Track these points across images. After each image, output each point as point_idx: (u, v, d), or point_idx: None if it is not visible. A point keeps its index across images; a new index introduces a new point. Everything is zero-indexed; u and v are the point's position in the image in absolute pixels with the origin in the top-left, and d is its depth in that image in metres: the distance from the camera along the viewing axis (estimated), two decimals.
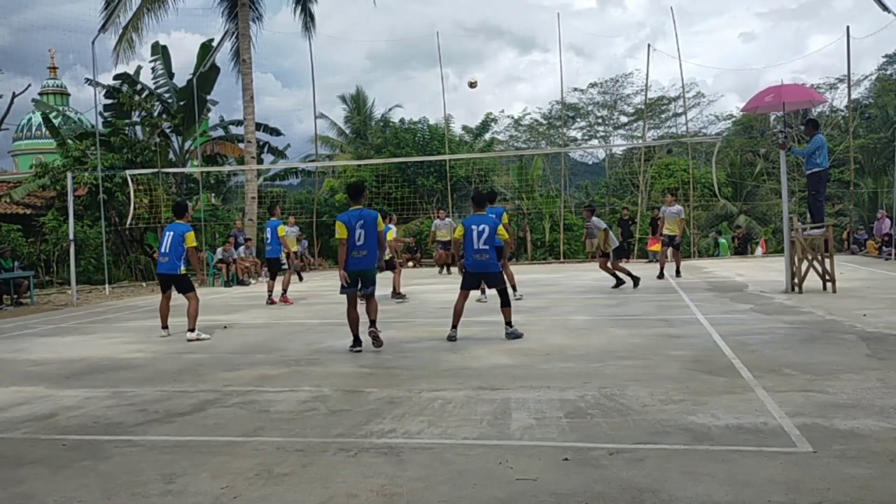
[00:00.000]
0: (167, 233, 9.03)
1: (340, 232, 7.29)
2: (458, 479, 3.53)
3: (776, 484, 3.29)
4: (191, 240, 8.90)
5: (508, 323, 7.91)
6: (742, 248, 24.63)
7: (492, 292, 8.87)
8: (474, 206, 8.41)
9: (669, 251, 15.85)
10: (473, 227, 7.93)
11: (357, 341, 7.45)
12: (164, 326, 9.25)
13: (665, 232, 15.28)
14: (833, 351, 6.35)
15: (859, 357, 6.05)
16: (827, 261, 11.06)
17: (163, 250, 9.00)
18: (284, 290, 12.89)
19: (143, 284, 20.12)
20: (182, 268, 8.94)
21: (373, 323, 7.46)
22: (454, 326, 7.95)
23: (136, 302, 15.13)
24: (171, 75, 25.69)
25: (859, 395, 4.79)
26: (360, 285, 7.45)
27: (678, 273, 14.95)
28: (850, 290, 11.24)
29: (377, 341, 7.38)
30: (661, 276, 14.72)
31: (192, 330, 8.77)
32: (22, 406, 5.56)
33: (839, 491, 3.18)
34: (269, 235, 12.91)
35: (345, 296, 7.54)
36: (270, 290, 12.84)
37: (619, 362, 6.23)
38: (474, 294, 9.11)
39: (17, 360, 7.83)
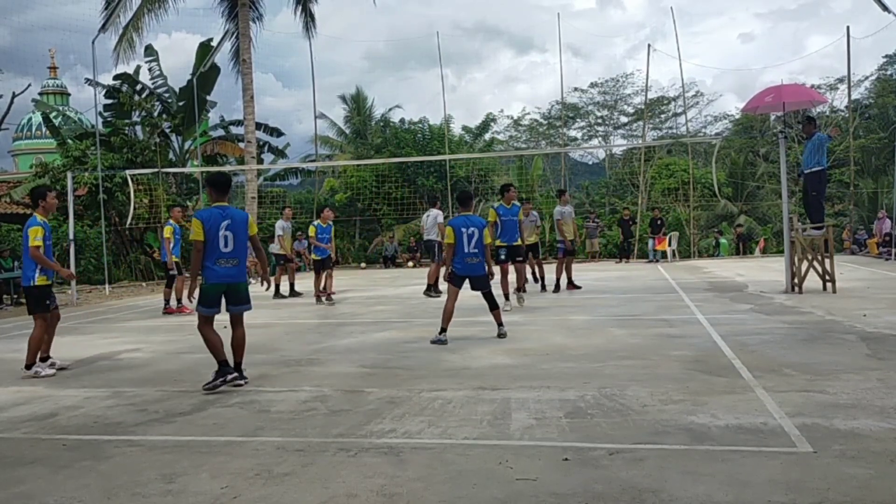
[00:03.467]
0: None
1: (196, 232, 5.78)
2: (458, 479, 3.53)
3: (776, 484, 3.29)
4: (33, 236, 6.81)
5: (500, 323, 7.94)
6: (738, 246, 24.62)
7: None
8: (461, 205, 8.33)
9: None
10: (463, 229, 7.77)
11: (225, 368, 5.85)
12: (44, 358, 7.09)
13: (566, 236, 12.84)
14: (833, 351, 6.35)
15: (859, 357, 6.05)
16: (827, 261, 11.06)
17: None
18: (179, 299, 12.03)
19: (143, 284, 20.13)
20: (36, 278, 6.85)
21: (237, 367, 5.96)
22: (444, 330, 7.70)
23: (136, 302, 15.14)
24: (163, 78, 25.77)
25: (859, 395, 4.79)
26: (224, 304, 5.97)
27: (556, 286, 12.72)
28: (850, 290, 11.24)
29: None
30: (556, 288, 12.74)
31: (28, 366, 6.83)
32: (22, 406, 5.56)
33: (839, 491, 3.18)
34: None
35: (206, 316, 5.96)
36: (167, 299, 12.08)
37: (619, 362, 6.23)
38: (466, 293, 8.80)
39: (17, 360, 7.81)
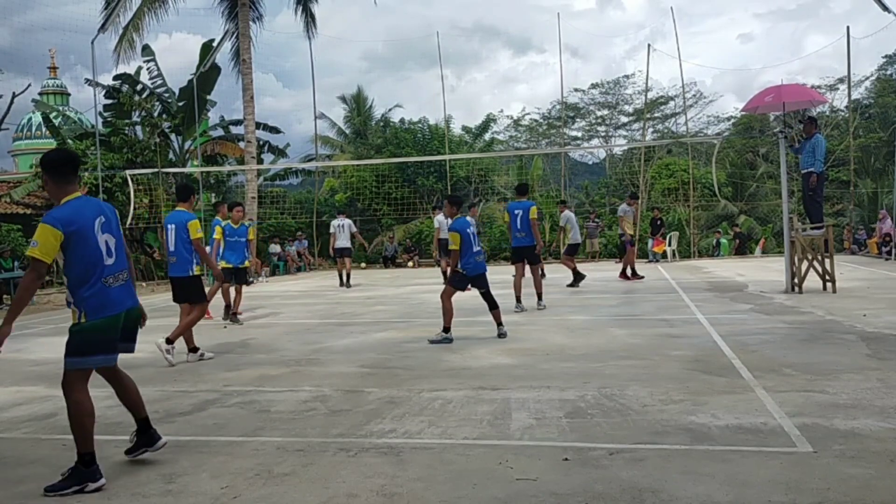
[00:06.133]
0: (169, 226, 7.45)
1: (43, 238, 3.64)
2: (459, 479, 3.53)
3: (776, 484, 3.29)
4: (195, 230, 7.28)
5: (500, 323, 7.95)
6: (740, 247, 24.63)
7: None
8: (457, 208, 8.20)
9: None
10: (469, 231, 7.83)
11: (91, 468, 3.66)
12: (192, 349, 7.39)
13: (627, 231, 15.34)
14: (833, 351, 6.36)
15: (859, 357, 6.05)
16: (827, 261, 11.07)
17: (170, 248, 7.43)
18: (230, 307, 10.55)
19: (143, 284, 20.10)
20: (194, 269, 7.37)
21: (144, 427, 4.06)
22: (448, 329, 7.72)
23: None
24: (162, 78, 25.77)
25: (859, 395, 4.79)
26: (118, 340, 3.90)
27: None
28: (850, 290, 11.25)
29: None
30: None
31: (169, 340, 7.16)
32: (22, 406, 5.56)
33: (839, 491, 3.18)
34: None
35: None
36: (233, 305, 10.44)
37: (619, 362, 6.23)
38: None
39: (17, 360, 7.82)
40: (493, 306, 7.99)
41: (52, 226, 3.61)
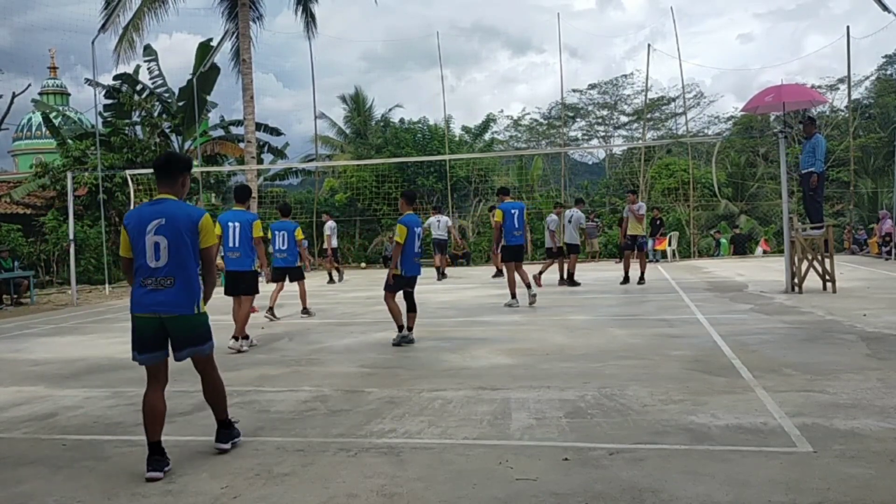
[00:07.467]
0: (232, 224, 7.95)
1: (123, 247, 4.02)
2: (458, 479, 3.53)
3: (776, 484, 3.29)
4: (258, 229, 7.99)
5: (410, 328, 7.81)
6: (739, 248, 24.62)
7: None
8: (407, 201, 7.82)
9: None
10: (416, 229, 7.58)
11: (156, 458, 3.76)
12: (242, 336, 7.87)
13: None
14: (833, 351, 6.36)
15: (859, 357, 6.05)
16: (827, 261, 11.07)
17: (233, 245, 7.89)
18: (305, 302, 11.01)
19: None
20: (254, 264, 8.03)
21: (222, 424, 4.20)
22: (402, 326, 7.63)
23: None
24: (163, 78, 25.75)
25: (859, 395, 4.79)
26: (160, 346, 3.95)
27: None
28: (850, 290, 11.25)
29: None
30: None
31: (235, 338, 7.73)
32: (22, 406, 5.56)
33: (839, 491, 3.18)
34: (285, 241, 10.62)
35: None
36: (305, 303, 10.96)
37: (619, 362, 6.23)
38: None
39: (17, 360, 7.83)
40: (411, 308, 7.83)
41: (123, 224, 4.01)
